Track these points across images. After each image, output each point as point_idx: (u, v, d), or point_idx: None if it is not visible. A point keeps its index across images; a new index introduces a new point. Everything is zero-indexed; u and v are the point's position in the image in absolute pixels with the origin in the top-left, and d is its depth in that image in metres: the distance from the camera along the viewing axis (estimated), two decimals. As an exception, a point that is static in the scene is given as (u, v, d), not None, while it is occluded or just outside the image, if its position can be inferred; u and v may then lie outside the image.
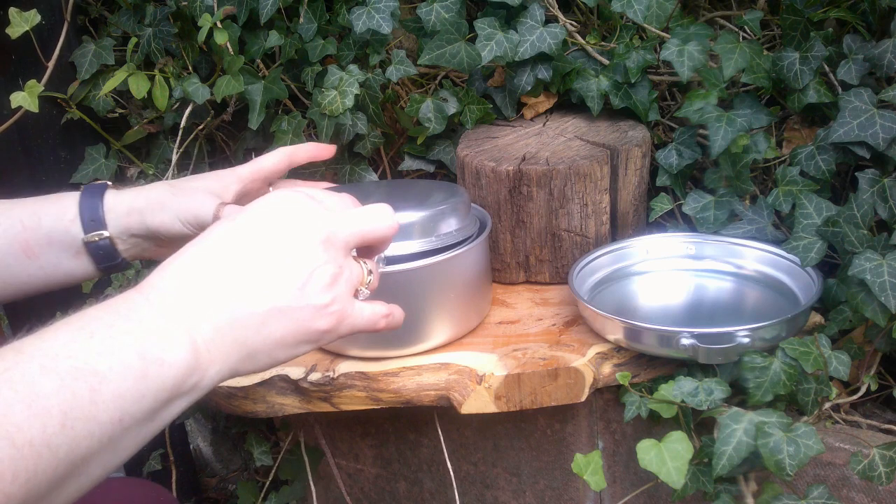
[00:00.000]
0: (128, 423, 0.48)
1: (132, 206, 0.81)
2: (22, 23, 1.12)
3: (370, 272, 0.63)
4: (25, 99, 1.13)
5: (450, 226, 0.89)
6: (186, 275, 0.55)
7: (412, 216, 0.86)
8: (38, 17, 1.13)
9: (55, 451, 0.43)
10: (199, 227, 0.81)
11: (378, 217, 0.62)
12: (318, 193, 0.61)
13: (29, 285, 0.82)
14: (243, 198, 0.88)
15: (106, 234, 0.80)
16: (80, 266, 0.82)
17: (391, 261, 0.85)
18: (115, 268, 0.83)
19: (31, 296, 0.83)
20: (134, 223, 0.82)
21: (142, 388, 0.49)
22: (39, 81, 1.16)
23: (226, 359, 0.54)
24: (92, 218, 0.80)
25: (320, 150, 0.94)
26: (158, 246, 0.84)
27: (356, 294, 0.62)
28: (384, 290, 0.86)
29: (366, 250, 0.64)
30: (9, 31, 1.12)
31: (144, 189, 0.83)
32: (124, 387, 0.48)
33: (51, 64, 1.19)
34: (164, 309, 0.53)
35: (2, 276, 0.80)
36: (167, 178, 1.23)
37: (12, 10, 1.12)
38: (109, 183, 0.83)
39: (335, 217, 0.60)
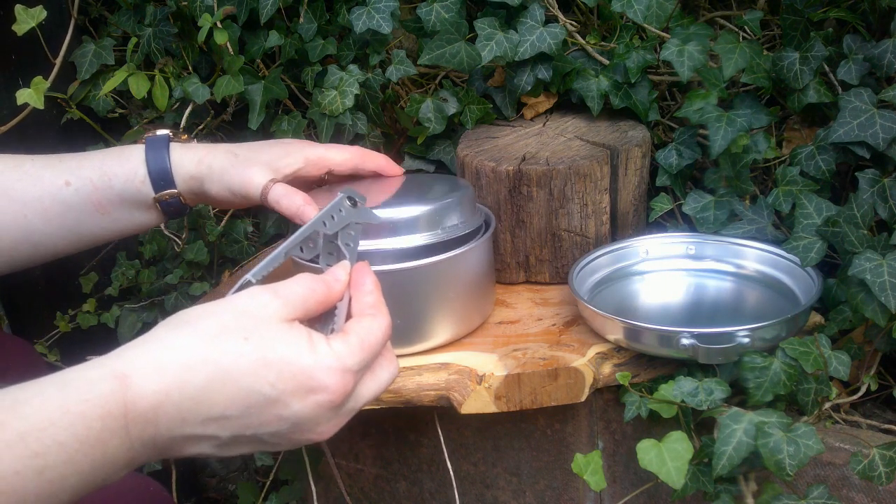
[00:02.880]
0: None
1: (196, 173, 0.83)
2: (28, 19, 1.12)
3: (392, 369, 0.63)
4: (31, 96, 1.12)
5: (453, 219, 0.89)
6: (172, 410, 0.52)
7: (417, 210, 0.86)
8: (45, 13, 1.13)
9: None
10: (246, 199, 0.83)
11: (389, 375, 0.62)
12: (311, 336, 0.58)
13: (101, 237, 0.86)
14: (297, 178, 0.87)
15: (175, 191, 0.83)
16: (150, 218, 0.86)
17: (399, 255, 0.86)
18: (182, 215, 0.87)
19: (102, 244, 0.89)
20: (196, 186, 0.84)
21: None
22: (35, 78, 1.15)
23: None
24: (162, 178, 0.83)
25: (389, 167, 0.94)
26: (217, 201, 0.88)
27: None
28: (388, 290, 0.86)
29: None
30: (15, 27, 1.12)
31: (209, 154, 0.84)
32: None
33: (58, 61, 1.19)
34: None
35: (76, 232, 0.83)
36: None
37: (18, 7, 1.12)
38: (171, 134, 0.85)
39: (342, 392, 0.57)
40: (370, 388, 0.60)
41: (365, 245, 0.85)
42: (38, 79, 1.13)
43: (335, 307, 0.64)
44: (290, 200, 0.81)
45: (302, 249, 0.70)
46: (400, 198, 0.90)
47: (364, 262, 0.68)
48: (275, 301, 0.57)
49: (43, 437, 0.47)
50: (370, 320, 0.61)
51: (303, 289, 0.59)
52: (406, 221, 0.86)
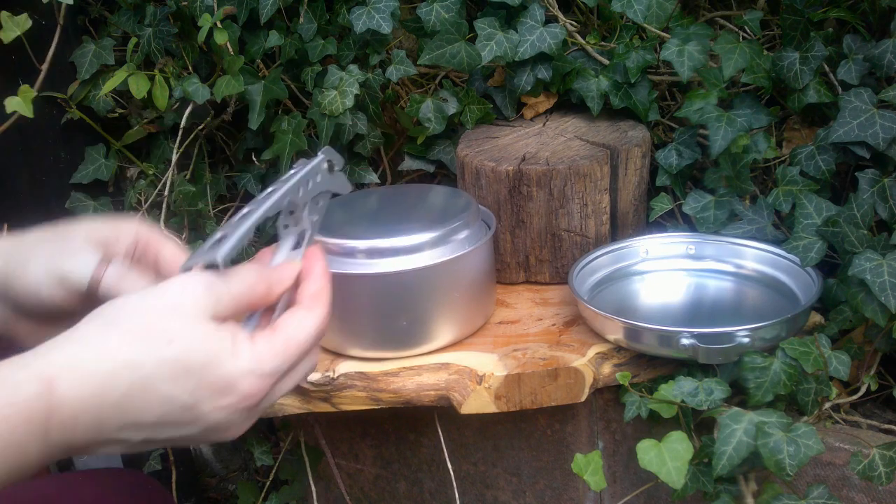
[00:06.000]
0: None
1: None
2: (14, 27, 1.12)
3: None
4: (20, 104, 1.12)
5: (460, 235, 0.89)
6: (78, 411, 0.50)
7: (426, 236, 0.87)
8: (30, 22, 1.13)
9: None
10: (68, 290, 0.62)
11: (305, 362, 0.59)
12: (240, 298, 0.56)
13: None
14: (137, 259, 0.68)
15: None
16: None
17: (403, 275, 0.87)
18: None
19: None
20: None
21: None
22: (22, 86, 1.15)
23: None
24: None
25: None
26: (25, 320, 0.64)
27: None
28: (391, 292, 0.86)
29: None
30: (1, 35, 1.12)
31: (19, 242, 0.64)
32: None
33: (44, 67, 1.18)
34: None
35: None
36: (167, 179, 1.23)
37: (4, 15, 1.12)
38: None
39: (261, 383, 0.55)
40: (286, 385, 0.58)
41: (371, 268, 0.86)
42: (25, 87, 1.13)
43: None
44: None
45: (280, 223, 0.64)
46: (406, 222, 0.91)
47: (316, 246, 0.63)
48: (207, 298, 0.54)
49: None
50: (304, 314, 0.58)
51: (242, 287, 0.57)
52: (413, 247, 0.87)
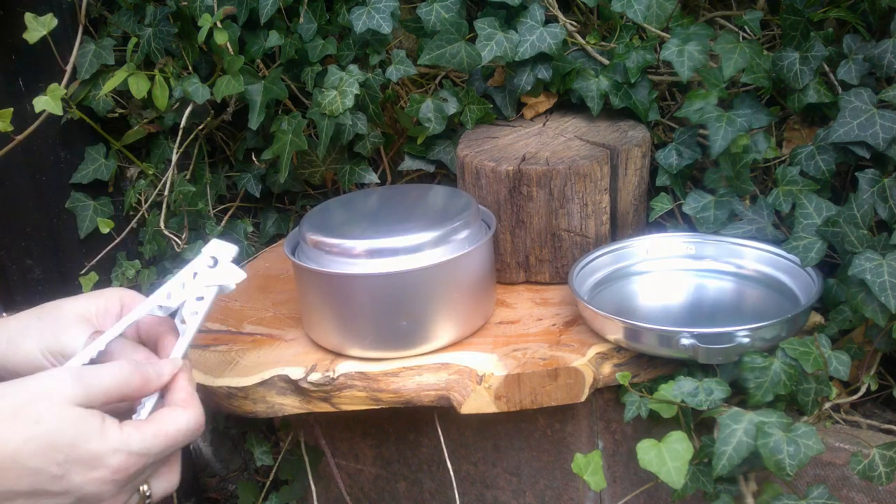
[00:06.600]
0: None
1: None
2: (39, 27, 1.12)
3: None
4: (48, 102, 1.12)
5: (461, 235, 0.90)
6: None
7: (426, 236, 0.87)
8: (55, 21, 1.12)
9: None
10: (65, 359, 0.68)
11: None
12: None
13: None
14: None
15: None
16: None
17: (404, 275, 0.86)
18: None
19: None
20: None
21: None
22: (51, 85, 1.15)
23: None
24: None
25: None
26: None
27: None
28: (391, 292, 0.87)
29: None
30: (26, 36, 1.12)
31: (8, 322, 0.71)
32: None
33: (69, 67, 1.19)
34: None
35: None
36: (167, 179, 1.23)
37: (28, 16, 1.12)
38: None
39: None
40: (161, 485, 0.64)
41: (371, 268, 0.86)
42: (54, 86, 1.13)
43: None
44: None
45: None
46: (406, 222, 0.91)
47: (186, 360, 0.69)
48: (75, 387, 0.59)
49: None
50: (178, 412, 0.64)
51: (112, 380, 0.62)
52: (413, 247, 0.87)
